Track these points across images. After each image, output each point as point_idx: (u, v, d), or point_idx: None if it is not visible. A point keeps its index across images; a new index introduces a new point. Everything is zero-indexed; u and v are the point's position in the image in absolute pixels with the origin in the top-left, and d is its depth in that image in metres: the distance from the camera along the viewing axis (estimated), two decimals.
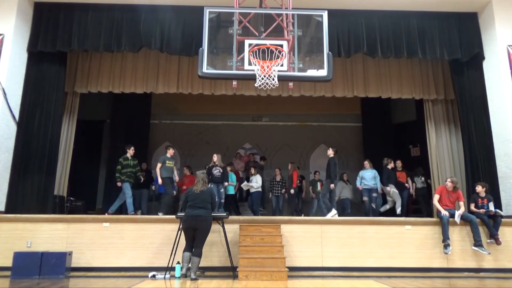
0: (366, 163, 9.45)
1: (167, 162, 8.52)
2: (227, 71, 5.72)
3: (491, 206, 7.45)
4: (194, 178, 9.20)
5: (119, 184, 8.40)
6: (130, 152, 8.63)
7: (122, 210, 8.95)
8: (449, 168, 9.71)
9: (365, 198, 9.14)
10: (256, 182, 9.70)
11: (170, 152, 8.68)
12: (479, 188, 7.66)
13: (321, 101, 11.12)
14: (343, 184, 10.31)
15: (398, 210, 8.86)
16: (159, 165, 8.46)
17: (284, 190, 10.09)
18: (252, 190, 9.74)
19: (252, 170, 10.10)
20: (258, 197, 9.71)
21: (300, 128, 13.34)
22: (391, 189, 9.06)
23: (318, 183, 9.90)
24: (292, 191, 9.89)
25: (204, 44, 5.70)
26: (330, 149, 8.64)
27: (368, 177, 9.20)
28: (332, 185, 8.28)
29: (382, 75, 9.94)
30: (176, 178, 8.96)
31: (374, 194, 9.12)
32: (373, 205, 9.05)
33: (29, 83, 8.45)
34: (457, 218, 7.29)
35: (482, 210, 7.43)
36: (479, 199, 7.60)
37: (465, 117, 8.94)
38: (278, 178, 10.14)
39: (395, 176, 9.34)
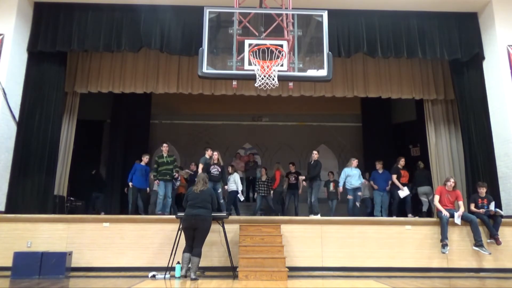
0: (356, 161, 9.22)
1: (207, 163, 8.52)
2: (227, 71, 5.72)
3: (492, 207, 7.45)
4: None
5: (157, 182, 8.51)
6: (164, 149, 8.69)
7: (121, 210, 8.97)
8: (448, 168, 9.70)
9: (350, 197, 8.93)
10: (234, 182, 9.41)
11: (209, 153, 8.66)
12: (481, 189, 7.65)
13: (321, 101, 11.11)
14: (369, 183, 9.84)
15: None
16: (201, 165, 8.47)
17: (271, 190, 10.02)
18: (230, 190, 9.38)
19: (229, 169, 9.82)
20: (232, 197, 9.42)
21: (300, 128, 13.33)
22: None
23: (331, 184, 9.75)
24: (271, 193, 9.90)
25: (204, 44, 5.70)
26: (317, 152, 9.05)
27: (355, 176, 9.01)
28: (304, 182, 8.85)
29: (382, 75, 9.94)
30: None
31: (360, 193, 9.04)
32: (358, 204, 8.96)
33: (29, 83, 8.45)
34: (457, 220, 7.29)
35: (482, 210, 7.43)
36: (479, 199, 7.60)
37: (465, 117, 8.93)
38: (263, 178, 10.02)
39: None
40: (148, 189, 9.09)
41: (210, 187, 6.86)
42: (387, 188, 9.11)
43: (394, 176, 8.99)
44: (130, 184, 8.79)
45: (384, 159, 10.09)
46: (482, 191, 7.64)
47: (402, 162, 9.22)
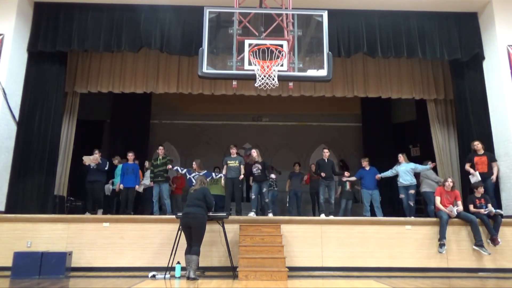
0: (401, 156, 8.65)
1: (228, 162, 8.38)
2: (227, 71, 5.73)
3: (490, 206, 7.46)
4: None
5: (151, 184, 8.55)
6: (159, 151, 8.71)
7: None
8: (448, 168, 9.67)
9: (402, 196, 8.41)
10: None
11: (233, 152, 8.55)
12: (477, 190, 7.66)
13: (321, 101, 11.12)
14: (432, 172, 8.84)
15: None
16: (224, 167, 8.41)
17: None
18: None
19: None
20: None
21: (300, 128, 13.34)
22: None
23: (347, 183, 9.40)
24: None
25: (204, 44, 5.71)
26: (328, 150, 8.99)
27: (403, 172, 8.40)
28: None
29: (382, 75, 9.94)
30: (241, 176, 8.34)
31: (412, 191, 8.31)
32: (411, 203, 8.28)
33: (29, 83, 8.45)
34: (454, 212, 7.32)
35: (482, 210, 7.41)
36: (477, 200, 7.61)
37: (465, 117, 8.93)
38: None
39: None
40: (136, 186, 8.60)
41: (206, 187, 6.84)
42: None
43: (468, 165, 8.16)
44: (121, 186, 8.51)
45: (384, 159, 10.06)
46: (479, 191, 7.65)
47: (478, 146, 8.18)
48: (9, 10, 8.19)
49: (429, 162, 8.79)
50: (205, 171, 8.50)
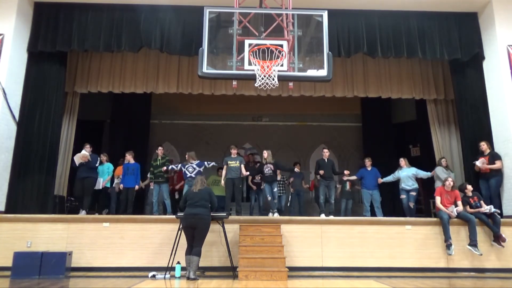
0: (402, 160, 8.76)
1: (228, 162, 8.34)
2: (227, 71, 5.72)
3: (484, 205, 7.48)
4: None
5: (151, 185, 8.55)
6: (158, 152, 8.73)
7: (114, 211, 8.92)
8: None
9: (403, 196, 8.50)
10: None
11: (233, 152, 8.52)
12: (466, 190, 7.70)
13: (321, 101, 11.11)
14: (442, 170, 8.82)
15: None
16: (224, 167, 8.37)
17: None
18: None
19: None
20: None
21: (300, 128, 13.34)
22: None
23: (347, 183, 9.41)
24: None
25: (204, 44, 5.70)
26: (328, 150, 9.01)
27: (405, 177, 8.51)
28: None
29: (382, 75, 9.94)
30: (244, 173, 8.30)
31: (414, 193, 8.47)
32: (411, 205, 8.38)
33: (29, 83, 8.45)
34: (454, 212, 7.34)
35: (481, 209, 7.41)
36: (470, 199, 7.62)
37: (465, 117, 8.93)
38: None
39: None
40: (136, 187, 8.49)
41: (208, 187, 6.84)
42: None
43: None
44: (121, 186, 8.50)
45: (384, 159, 10.02)
46: (468, 188, 7.69)
47: (483, 147, 8.27)
48: (9, 10, 8.19)
49: (443, 159, 8.90)
50: (198, 161, 8.37)
